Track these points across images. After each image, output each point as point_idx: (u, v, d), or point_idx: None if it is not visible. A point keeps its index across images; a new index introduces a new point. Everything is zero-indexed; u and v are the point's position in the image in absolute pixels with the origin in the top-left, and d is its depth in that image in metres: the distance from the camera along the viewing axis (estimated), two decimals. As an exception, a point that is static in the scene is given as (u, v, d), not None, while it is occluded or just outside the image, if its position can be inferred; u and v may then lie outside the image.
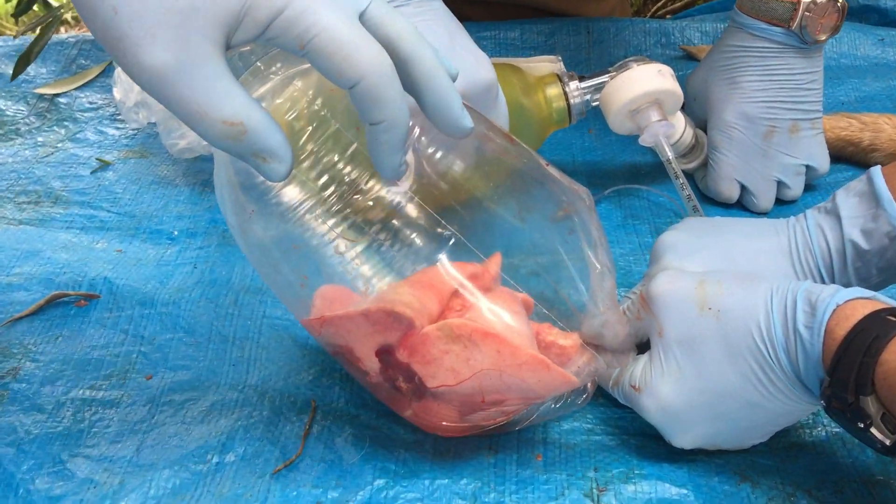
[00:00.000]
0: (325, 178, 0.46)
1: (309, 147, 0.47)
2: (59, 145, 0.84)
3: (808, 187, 0.74)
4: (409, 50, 0.41)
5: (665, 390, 0.48)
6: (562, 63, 0.71)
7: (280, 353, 0.59)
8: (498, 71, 0.67)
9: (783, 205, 0.73)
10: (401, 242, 0.47)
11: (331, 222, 0.46)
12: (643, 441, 0.52)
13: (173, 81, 0.36)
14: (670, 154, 0.67)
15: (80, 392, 0.56)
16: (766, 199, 0.72)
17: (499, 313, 0.45)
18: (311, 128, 0.47)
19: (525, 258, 0.52)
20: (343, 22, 0.38)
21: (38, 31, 0.84)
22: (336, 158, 0.47)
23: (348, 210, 0.46)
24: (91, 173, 0.79)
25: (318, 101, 0.47)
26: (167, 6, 0.36)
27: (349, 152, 0.47)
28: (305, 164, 0.46)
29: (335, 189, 0.46)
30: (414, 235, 0.47)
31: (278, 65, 0.47)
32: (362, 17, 0.40)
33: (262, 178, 0.43)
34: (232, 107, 0.37)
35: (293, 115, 0.47)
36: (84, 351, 0.59)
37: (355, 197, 0.47)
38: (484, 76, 0.59)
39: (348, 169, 0.47)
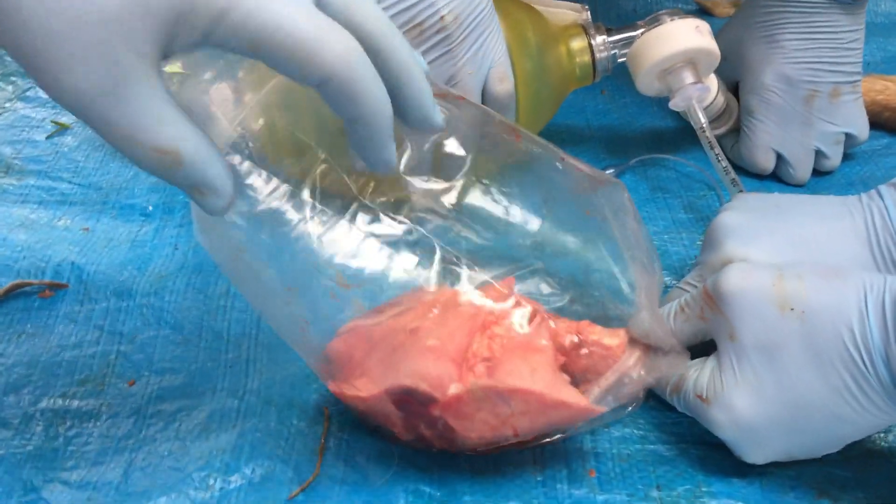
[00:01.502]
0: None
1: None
2: (7, 105, 0.74)
3: (845, 156, 0.68)
4: (379, 39, 0.35)
5: (740, 403, 0.42)
6: (588, 13, 0.63)
7: (283, 352, 0.51)
8: (516, 17, 0.59)
9: (819, 175, 0.67)
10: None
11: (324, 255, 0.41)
12: (705, 451, 0.46)
13: (100, 105, 0.31)
14: (704, 121, 0.61)
15: (52, 402, 0.48)
16: (804, 169, 0.66)
17: (523, 366, 0.41)
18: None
19: (555, 254, 0.47)
20: (300, 14, 0.32)
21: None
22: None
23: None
24: (47, 138, 0.70)
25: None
26: (88, 18, 0.30)
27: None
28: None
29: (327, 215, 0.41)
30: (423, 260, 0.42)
31: None
32: (321, 4, 0.34)
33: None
34: (165, 134, 0.32)
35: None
36: (53, 351, 0.51)
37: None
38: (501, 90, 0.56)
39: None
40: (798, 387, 0.41)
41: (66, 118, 0.72)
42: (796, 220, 0.49)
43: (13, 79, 0.77)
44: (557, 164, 0.45)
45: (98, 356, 0.51)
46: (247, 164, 0.40)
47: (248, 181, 0.40)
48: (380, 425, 0.44)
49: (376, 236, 0.42)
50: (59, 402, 0.48)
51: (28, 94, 0.75)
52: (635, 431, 0.47)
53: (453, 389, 0.40)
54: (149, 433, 0.46)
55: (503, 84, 0.56)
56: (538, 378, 0.40)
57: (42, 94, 0.75)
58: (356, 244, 0.42)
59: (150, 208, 0.63)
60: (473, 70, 0.54)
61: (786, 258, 0.47)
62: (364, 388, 0.41)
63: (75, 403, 0.48)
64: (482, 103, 0.56)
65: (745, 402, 0.42)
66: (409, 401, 0.41)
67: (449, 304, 0.44)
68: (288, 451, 0.45)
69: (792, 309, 0.41)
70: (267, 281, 0.42)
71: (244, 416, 0.47)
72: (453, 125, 0.43)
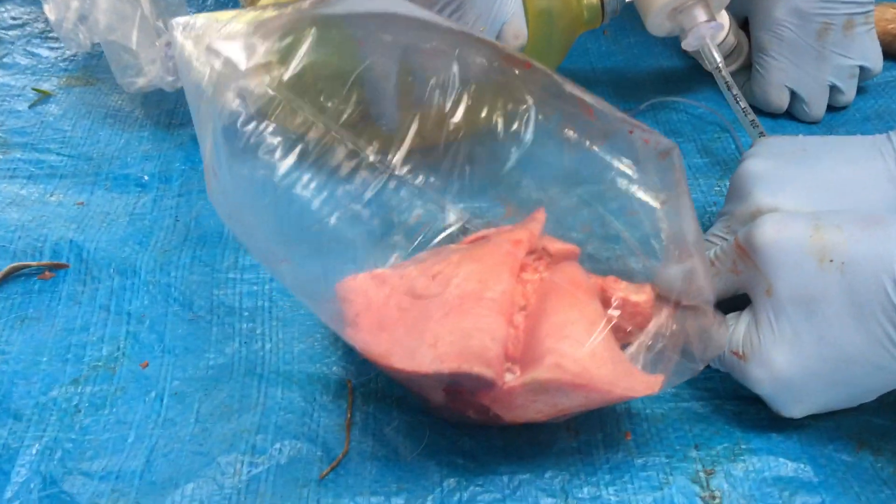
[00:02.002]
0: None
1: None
2: (-17, 73, 0.70)
3: (858, 90, 0.66)
4: None
5: (779, 359, 0.41)
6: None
7: (299, 324, 0.49)
8: None
9: (834, 111, 0.65)
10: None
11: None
12: (740, 406, 0.45)
13: None
14: (720, 60, 0.59)
15: (64, 390, 0.46)
16: (818, 106, 0.64)
17: (591, 360, 0.38)
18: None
19: (580, 195, 0.45)
20: None
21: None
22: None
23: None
24: (30, 107, 0.66)
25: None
26: None
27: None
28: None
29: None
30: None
31: None
32: None
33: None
34: None
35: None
36: (59, 335, 0.49)
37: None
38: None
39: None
40: (839, 340, 0.40)
41: (48, 84, 0.69)
42: (825, 165, 0.47)
43: (-13, 45, 0.73)
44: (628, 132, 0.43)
45: (107, 338, 0.49)
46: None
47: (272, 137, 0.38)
48: (410, 390, 0.43)
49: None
50: (72, 389, 0.46)
51: (5, 60, 0.71)
52: (667, 389, 0.46)
53: (509, 380, 0.38)
54: (168, 417, 0.45)
55: (518, 40, 0.53)
56: (600, 362, 0.38)
57: (21, 60, 0.71)
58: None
59: (146, 178, 0.60)
60: (486, 26, 0.52)
61: (817, 205, 0.45)
62: (395, 352, 0.39)
63: (88, 389, 0.46)
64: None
65: (783, 358, 0.41)
66: (461, 390, 0.39)
67: (478, 248, 0.42)
68: (314, 428, 0.44)
69: (831, 260, 0.40)
70: (283, 228, 0.40)
71: (265, 393, 0.46)
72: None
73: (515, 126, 0.42)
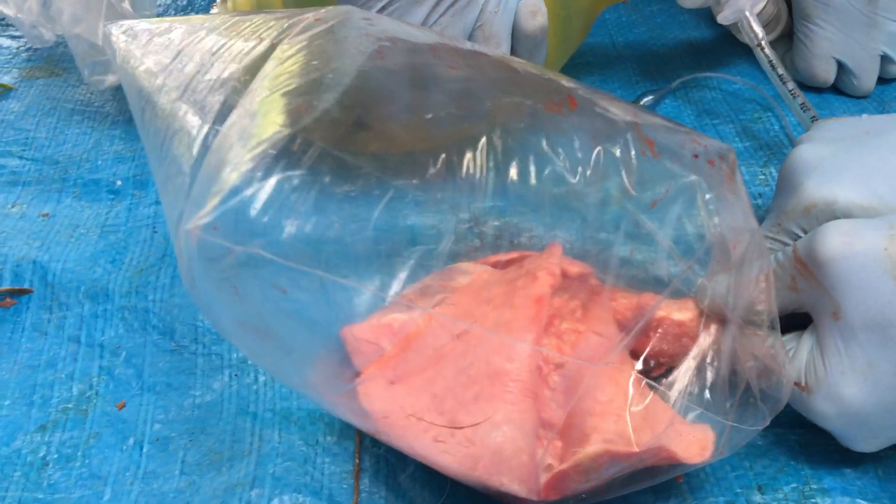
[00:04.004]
0: None
1: None
2: (-63, 67, 0.63)
3: (908, 59, 0.60)
4: None
5: (849, 392, 0.35)
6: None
7: (296, 351, 0.43)
8: None
9: (885, 83, 0.59)
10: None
11: None
12: (806, 435, 0.39)
13: None
14: (762, 36, 0.52)
15: (29, 439, 0.40)
16: (869, 79, 0.58)
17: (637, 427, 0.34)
18: None
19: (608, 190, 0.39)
20: None
21: None
22: None
23: None
24: (-13, 105, 0.60)
25: None
26: None
27: None
28: None
29: None
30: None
31: None
32: None
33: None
34: None
35: None
36: (23, 374, 0.43)
37: None
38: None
39: None
40: None
41: (8, 77, 0.62)
42: (892, 147, 0.40)
43: (-60, 35, 0.66)
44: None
45: (77, 375, 0.43)
46: None
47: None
48: None
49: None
50: (38, 437, 0.40)
51: (-40, 52, 0.65)
52: (730, 450, 0.40)
53: (548, 461, 0.33)
54: (149, 468, 0.39)
55: (536, 18, 0.46)
56: (658, 429, 0.33)
57: (-24, 51, 0.65)
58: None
59: (119, 183, 0.53)
60: (499, 8, 0.45)
61: (883, 197, 0.39)
62: (414, 435, 0.34)
63: (57, 437, 0.40)
64: (512, 43, 0.47)
65: (855, 391, 0.35)
66: (499, 496, 0.34)
67: (498, 293, 0.37)
68: (318, 477, 0.38)
69: (912, 277, 0.34)
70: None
71: (260, 437, 0.40)
72: None
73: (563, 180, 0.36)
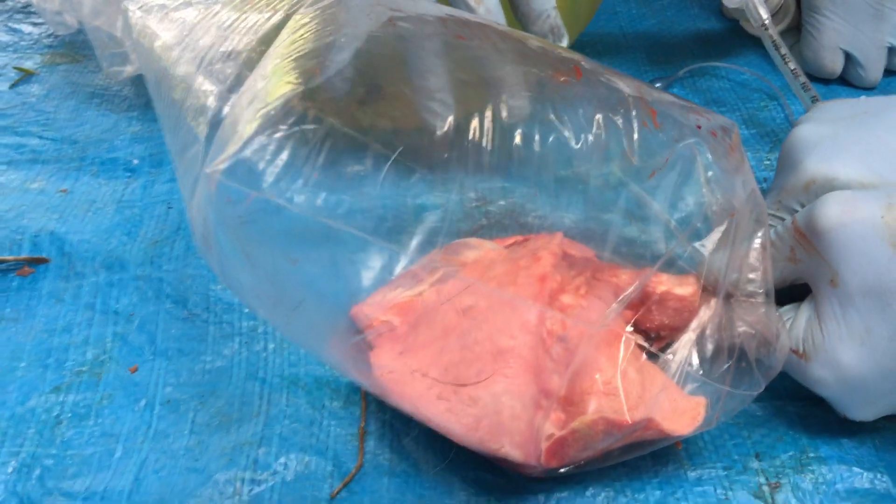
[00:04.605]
0: None
1: None
2: (-38, 52, 0.65)
3: (914, 51, 0.61)
4: None
5: (846, 358, 0.36)
6: None
7: (305, 320, 0.44)
8: None
9: (892, 75, 0.60)
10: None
11: None
12: (804, 407, 0.40)
13: None
14: (767, 17, 0.53)
15: (43, 399, 0.41)
16: (876, 70, 0.58)
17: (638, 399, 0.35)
18: None
19: (613, 172, 0.40)
20: None
21: None
22: None
23: None
24: (10, 87, 0.61)
25: None
26: None
27: None
28: None
29: None
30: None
31: None
32: None
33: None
34: None
35: None
36: (39, 338, 0.44)
37: None
38: None
39: None
40: None
41: (30, 63, 0.64)
42: (889, 126, 0.41)
43: (-34, 21, 0.68)
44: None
45: (92, 340, 0.44)
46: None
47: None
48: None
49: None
50: (52, 398, 0.41)
51: (-16, 37, 0.66)
52: (726, 416, 0.41)
53: (550, 431, 0.34)
54: (160, 428, 0.40)
55: None
56: (651, 399, 0.34)
57: (2, 37, 0.66)
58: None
59: (135, 162, 0.55)
60: None
61: (881, 174, 0.39)
62: (422, 398, 0.35)
63: (71, 398, 0.41)
64: (517, 18, 0.48)
65: (852, 357, 0.36)
66: (501, 461, 0.35)
67: (502, 271, 0.38)
68: (324, 439, 0.39)
69: (909, 244, 0.34)
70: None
71: (268, 400, 0.41)
72: None
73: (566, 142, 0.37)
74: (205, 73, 0.37)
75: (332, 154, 0.33)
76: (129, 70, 0.58)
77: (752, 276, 0.38)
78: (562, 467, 0.36)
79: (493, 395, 0.34)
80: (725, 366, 0.37)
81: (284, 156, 0.30)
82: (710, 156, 0.38)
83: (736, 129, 0.39)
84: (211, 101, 0.35)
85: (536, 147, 0.36)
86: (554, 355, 0.35)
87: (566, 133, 0.36)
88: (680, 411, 0.36)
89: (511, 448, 0.34)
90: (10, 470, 0.38)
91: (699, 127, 0.37)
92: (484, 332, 0.35)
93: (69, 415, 0.41)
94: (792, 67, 0.52)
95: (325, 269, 0.36)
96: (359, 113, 0.33)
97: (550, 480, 0.37)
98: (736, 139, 0.39)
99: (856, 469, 0.37)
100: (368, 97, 0.34)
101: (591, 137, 0.36)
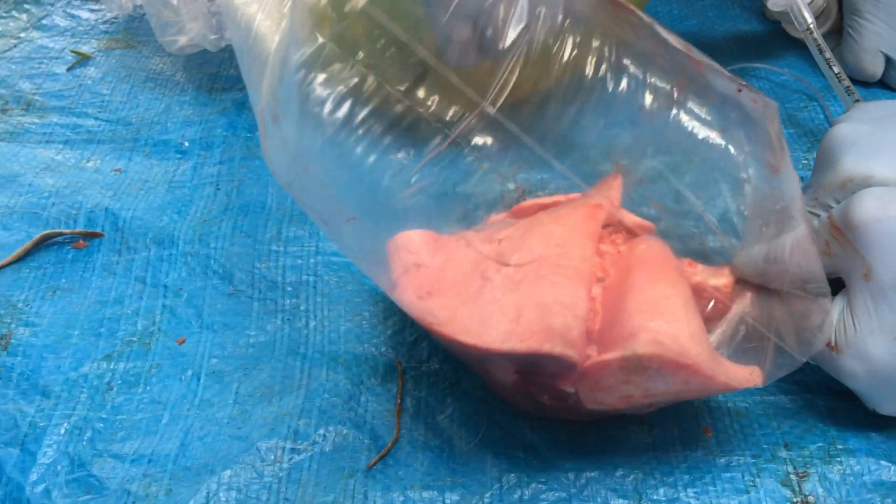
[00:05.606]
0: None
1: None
2: (22, 35, 0.67)
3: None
4: None
5: (878, 351, 0.36)
6: None
7: (345, 301, 0.46)
8: None
9: (932, 80, 0.60)
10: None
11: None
12: (834, 401, 0.40)
13: None
14: (811, 21, 0.53)
15: (95, 366, 0.43)
16: (916, 74, 0.58)
17: (691, 340, 0.34)
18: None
19: (654, 167, 0.40)
20: None
21: None
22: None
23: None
24: (68, 70, 0.64)
25: None
26: None
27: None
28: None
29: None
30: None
31: None
32: None
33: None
34: None
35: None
36: (92, 308, 0.46)
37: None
38: None
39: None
40: None
41: (87, 47, 0.66)
42: None
43: (27, 6, 0.70)
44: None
45: (142, 312, 0.46)
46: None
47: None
48: (471, 368, 0.39)
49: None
50: (104, 365, 0.43)
51: (44, 21, 0.69)
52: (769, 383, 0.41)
53: (595, 354, 0.34)
54: (205, 397, 0.42)
55: None
56: (701, 344, 0.34)
57: (60, 22, 0.69)
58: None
59: (186, 144, 0.57)
60: None
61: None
62: (456, 323, 0.34)
63: (121, 366, 0.43)
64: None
65: (883, 350, 0.36)
66: (537, 371, 0.35)
67: (550, 213, 0.38)
68: (361, 413, 0.40)
69: (944, 240, 0.35)
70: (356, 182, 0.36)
71: (309, 375, 0.42)
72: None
73: (602, 75, 0.37)
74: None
75: None
76: (183, 40, 0.59)
77: (790, 269, 0.39)
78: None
79: (543, 305, 0.34)
80: (765, 355, 0.37)
81: None
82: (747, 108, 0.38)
83: (776, 106, 0.39)
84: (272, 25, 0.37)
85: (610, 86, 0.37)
86: (593, 293, 0.35)
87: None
88: (734, 368, 0.36)
89: (563, 347, 0.33)
90: (62, 431, 0.40)
91: (740, 91, 0.38)
92: (529, 292, 0.34)
93: (119, 382, 0.42)
94: (836, 71, 0.53)
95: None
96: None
97: (580, 457, 0.38)
98: (775, 114, 0.39)
99: (883, 462, 0.37)
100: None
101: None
